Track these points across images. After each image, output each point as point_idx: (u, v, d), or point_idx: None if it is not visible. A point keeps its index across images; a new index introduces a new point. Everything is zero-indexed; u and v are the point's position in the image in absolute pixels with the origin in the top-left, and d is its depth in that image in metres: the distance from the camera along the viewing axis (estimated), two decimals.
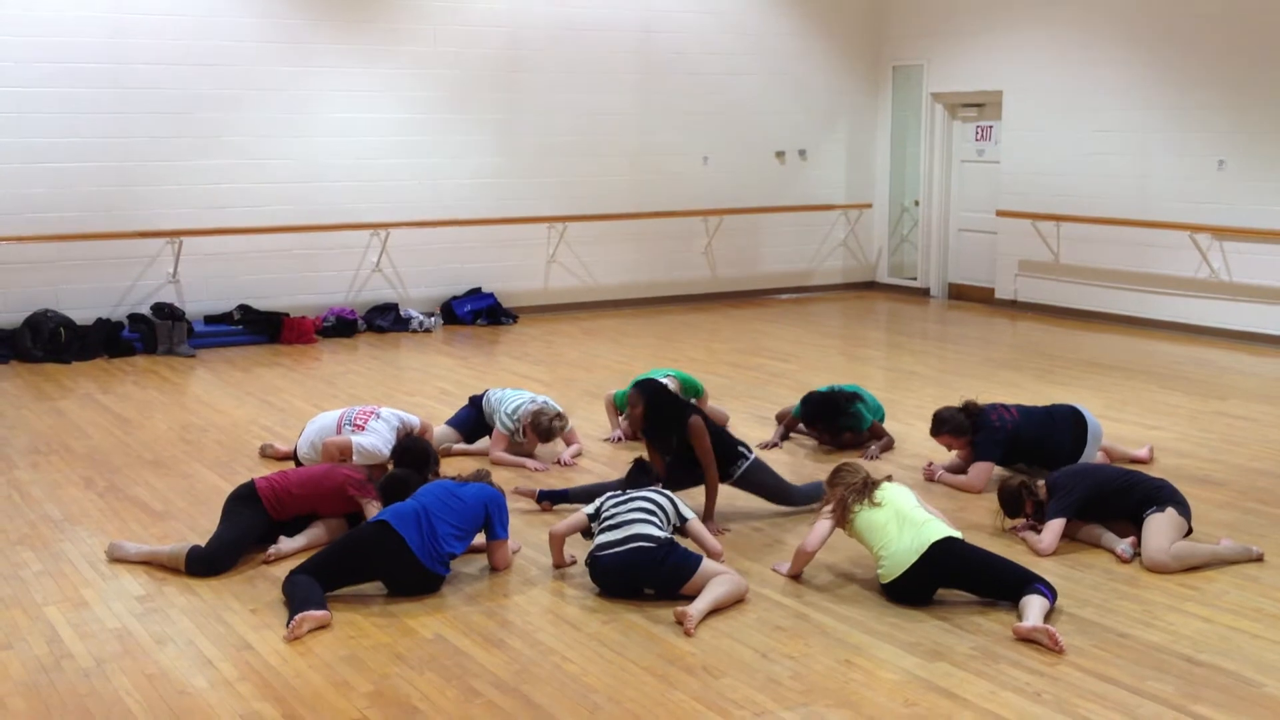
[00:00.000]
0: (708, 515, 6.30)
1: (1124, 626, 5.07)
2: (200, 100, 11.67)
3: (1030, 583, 5.15)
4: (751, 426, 8.33)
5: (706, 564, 5.35)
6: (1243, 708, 4.38)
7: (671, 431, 6.36)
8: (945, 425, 7.07)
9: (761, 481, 6.54)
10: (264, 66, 11.90)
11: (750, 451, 6.53)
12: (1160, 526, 5.77)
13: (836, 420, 7.80)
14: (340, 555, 5.40)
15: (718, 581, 5.25)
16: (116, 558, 5.84)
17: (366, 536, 5.42)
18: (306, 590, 5.18)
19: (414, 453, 6.29)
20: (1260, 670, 4.67)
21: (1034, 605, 5.01)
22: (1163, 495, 5.95)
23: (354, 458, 6.72)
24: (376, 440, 6.85)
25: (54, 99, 11.10)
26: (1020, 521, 6.20)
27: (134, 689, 4.57)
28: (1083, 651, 4.82)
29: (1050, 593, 5.13)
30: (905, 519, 5.34)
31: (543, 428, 7.47)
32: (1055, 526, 5.94)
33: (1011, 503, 6.16)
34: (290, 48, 12.01)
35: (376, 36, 12.39)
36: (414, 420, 7.24)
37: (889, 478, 5.67)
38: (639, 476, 5.85)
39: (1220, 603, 5.32)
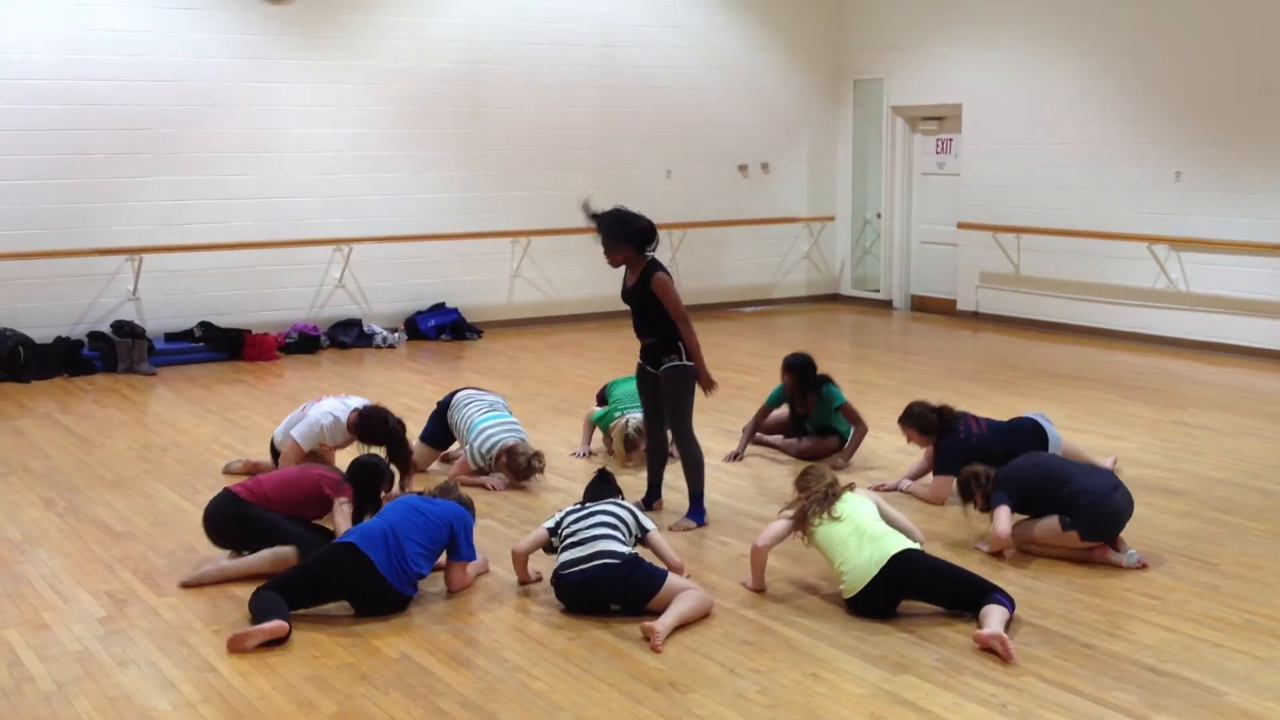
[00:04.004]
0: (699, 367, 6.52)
1: (1087, 637, 5.10)
2: (160, 116, 11.59)
3: (990, 592, 5.19)
4: (716, 440, 8.34)
5: (672, 579, 5.35)
6: (1204, 716, 4.41)
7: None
8: (913, 420, 7.15)
9: (682, 391, 6.55)
10: (224, 82, 11.84)
11: (685, 359, 6.53)
12: (1043, 527, 5.97)
13: (812, 380, 8.00)
14: (307, 576, 5.36)
15: (683, 597, 5.25)
16: (193, 583, 5.75)
17: (334, 558, 5.38)
18: (270, 604, 5.15)
19: (365, 471, 6.25)
20: (1222, 679, 4.71)
21: (995, 614, 5.04)
22: (1080, 506, 5.91)
23: (304, 446, 6.83)
24: (313, 417, 6.92)
25: (11, 115, 11.00)
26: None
27: (96, 712, 4.52)
28: (1046, 662, 4.85)
29: (1009, 602, 5.17)
30: (864, 533, 5.36)
31: (520, 468, 7.28)
32: (1000, 513, 5.99)
33: (962, 491, 6.28)
34: (251, 63, 11.95)
35: (337, 52, 12.35)
36: (355, 401, 7.13)
37: (851, 486, 5.69)
38: (600, 487, 5.82)
39: (1182, 612, 5.37)
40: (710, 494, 6.88)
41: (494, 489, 7.26)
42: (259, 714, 4.49)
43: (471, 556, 5.66)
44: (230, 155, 11.91)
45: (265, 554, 5.80)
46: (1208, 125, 11.69)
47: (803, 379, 8.07)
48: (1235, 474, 7.53)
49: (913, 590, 5.30)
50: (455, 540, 5.58)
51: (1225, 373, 10.82)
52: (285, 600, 5.22)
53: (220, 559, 5.90)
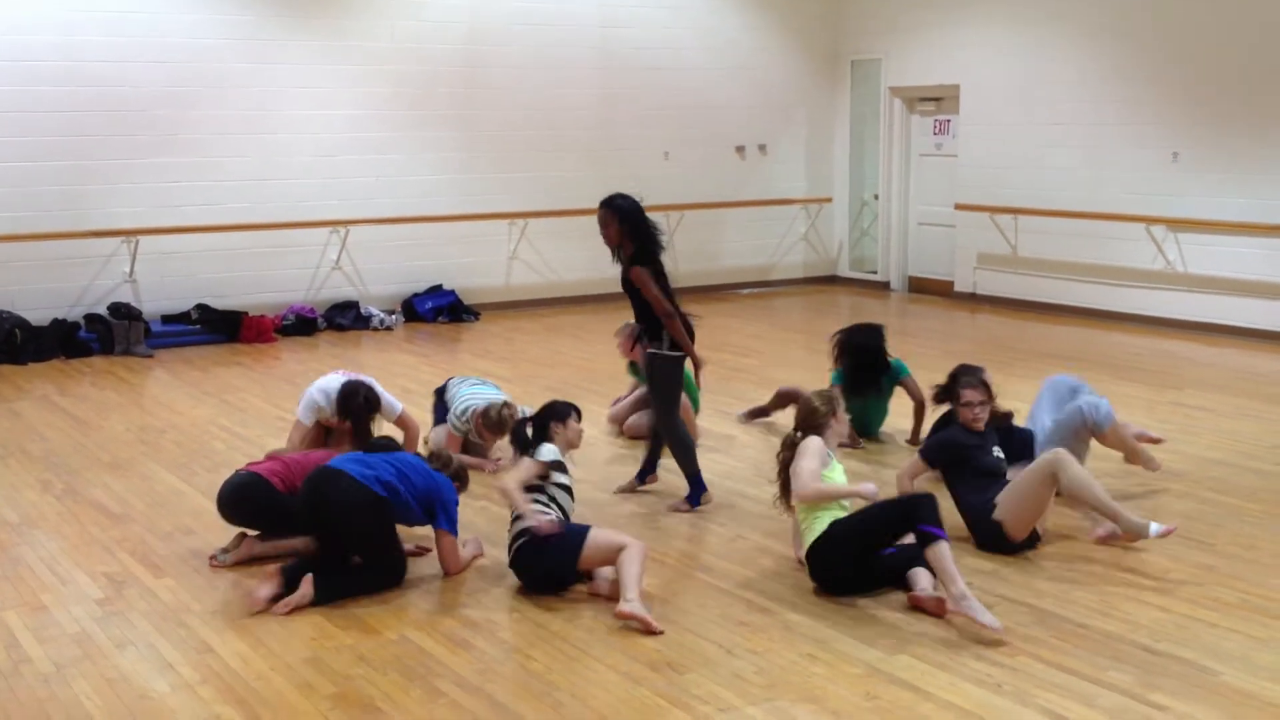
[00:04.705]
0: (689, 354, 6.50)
1: (1082, 617, 5.12)
2: (156, 98, 11.56)
3: (913, 520, 5.14)
4: (716, 422, 8.35)
5: (594, 533, 5.35)
6: (1199, 696, 4.43)
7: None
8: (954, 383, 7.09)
9: (663, 381, 6.52)
10: (221, 64, 11.81)
11: (668, 348, 6.48)
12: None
13: (876, 366, 8.01)
14: (303, 512, 5.52)
15: (624, 560, 5.17)
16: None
17: (310, 480, 5.53)
18: (292, 572, 5.35)
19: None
20: (1217, 658, 4.73)
21: (922, 575, 5.19)
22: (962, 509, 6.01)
23: (305, 421, 6.84)
24: (311, 392, 6.90)
25: (7, 97, 10.97)
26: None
27: (94, 693, 4.53)
28: (1042, 642, 4.86)
29: (938, 529, 5.06)
30: (802, 525, 5.47)
31: (493, 421, 7.24)
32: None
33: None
34: (247, 44, 11.92)
35: (334, 33, 12.31)
36: (333, 382, 6.94)
37: (798, 438, 5.58)
38: (523, 439, 5.75)
39: (1177, 592, 5.38)
40: (707, 477, 6.87)
41: (491, 472, 7.25)
42: (258, 695, 4.50)
43: (446, 526, 5.59)
44: (226, 137, 11.89)
45: (298, 541, 5.81)
46: (1205, 106, 11.67)
47: (871, 369, 7.98)
48: (1231, 454, 7.54)
49: (847, 561, 5.31)
50: (435, 503, 5.55)
51: (1222, 353, 10.83)
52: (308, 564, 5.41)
53: (250, 540, 5.88)
